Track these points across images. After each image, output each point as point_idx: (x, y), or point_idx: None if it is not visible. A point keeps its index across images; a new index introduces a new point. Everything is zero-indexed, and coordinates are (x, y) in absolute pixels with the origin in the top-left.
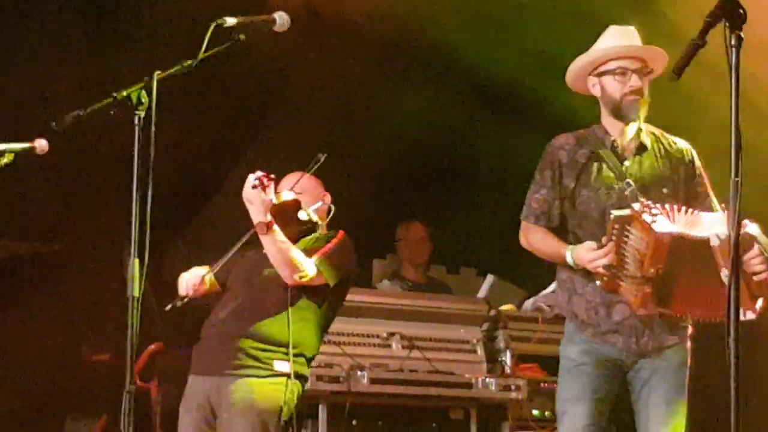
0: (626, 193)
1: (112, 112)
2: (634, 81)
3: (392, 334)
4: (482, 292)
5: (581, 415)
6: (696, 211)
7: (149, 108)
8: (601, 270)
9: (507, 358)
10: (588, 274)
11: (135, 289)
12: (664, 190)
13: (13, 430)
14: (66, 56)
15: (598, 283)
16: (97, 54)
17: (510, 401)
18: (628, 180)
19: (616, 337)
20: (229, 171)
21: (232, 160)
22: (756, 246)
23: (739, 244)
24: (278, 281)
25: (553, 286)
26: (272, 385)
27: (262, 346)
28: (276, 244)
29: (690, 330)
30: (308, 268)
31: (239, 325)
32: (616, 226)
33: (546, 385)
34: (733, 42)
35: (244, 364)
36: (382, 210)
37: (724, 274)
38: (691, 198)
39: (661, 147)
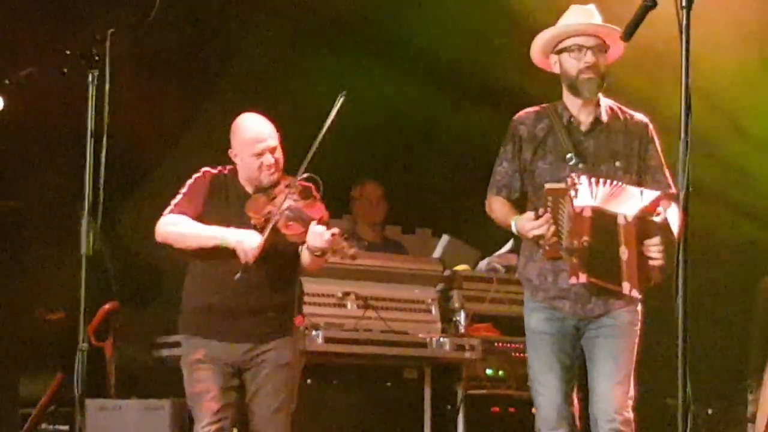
0: (580, 166)
1: (65, 70)
2: (589, 57)
3: (347, 294)
4: (437, 253)
5: (552, 387)
6: (621, 184)
7: (103, 65)
8: (535, 236)
9: (461, 318)
10: (536, 243)
11: (87, 247)
12: (617, 164)
13: None
14: (21, 15)
15: (540, 251)
16: (53, 12)
17: (464, 361)
18: (571, 154)
19: (563, 303)
20: (184, 127)
21: (187, 116)
22: (658, 237)
23: (687, 205)
24: (292, 259)
25: (507, 247)
26: (294, 342)
27: (284, 311)
28: (323, 260)
29: (638, 295)
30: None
31: (262, 298)
32: (550, 198)
33: (500, 344)
34: (683, 3)
35: (272, 330)
36: (337, 169)
37: (622, 251)
38: (643, 171)
39: (618, 122)
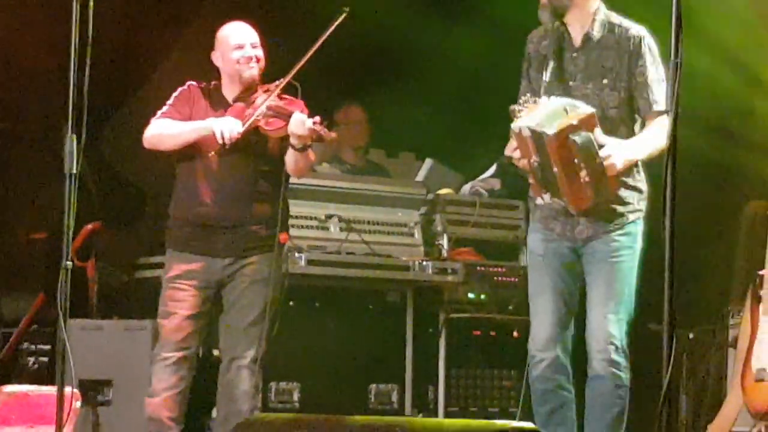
0: (570, 83)
1: None
2: None
3: (330, 217)
4: (420, 176)
5: (544, 308)
6: (550, 99)
7: None
8: (510, 154)
9: (444, 242)
10: None
11: (72, 165)
12: (605, 81)
13: None
14: None
15: None
16: None
17: (446, 284)
18: (543, 73)
19: (555, 224)
20: (168, 47)
21: (171, 36)
22: (577, 156)
23: (676, 126)
24: (271, 167)
25: (490, 171)
26: (275, 258)
27: (267, 226)
28: (308, 158)
29: (632, 217)
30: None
31: (244, 210)
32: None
33: (482, 268)
34: None
35: (253, 244)
36: (320, 92)
37: (555, 169)
38: (632, 87)
39: (611, 36)
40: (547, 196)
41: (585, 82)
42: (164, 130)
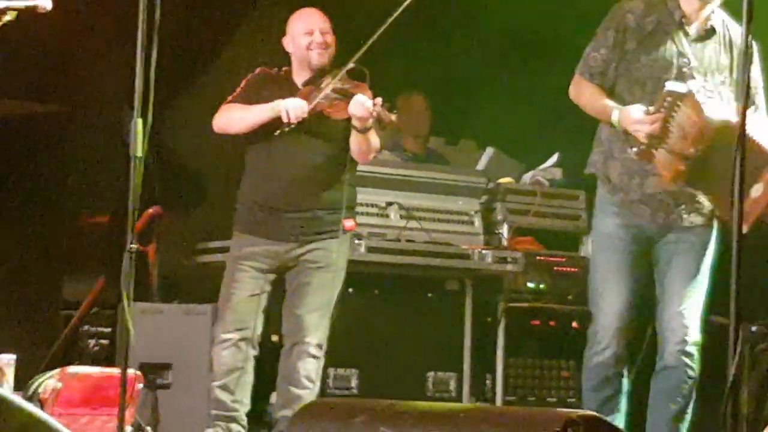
0: (684, 70)
1: None
2: None
3: (390, 204)
4: (481, 165)
5: (619, 297)
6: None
7: None
8: (641, 136)
9: (504, 231)
10: (627, 140)
11: (137, 148)
12: (721, 78)
13: (9, 293)
14: None
15: (634, 149)
16: None
17: (505, 273)
18: (688, 58)
19: (644, 209)
20: (236, 30)
21: (239, 16)
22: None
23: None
24: (338, 152)
25: (552, 160)
26: (343, 243)
27: (331, 212)
28: (370, 142)
29: (717, 213)
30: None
31: (309, 196)
32: (668, 98)
33: (542, 258)
34: None
35: (321, 230)
36: (382, 81)
37: (756, 189)
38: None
39: (727, 33)
40: (682, 183)
41: (703, 75)
42: (233, 114)
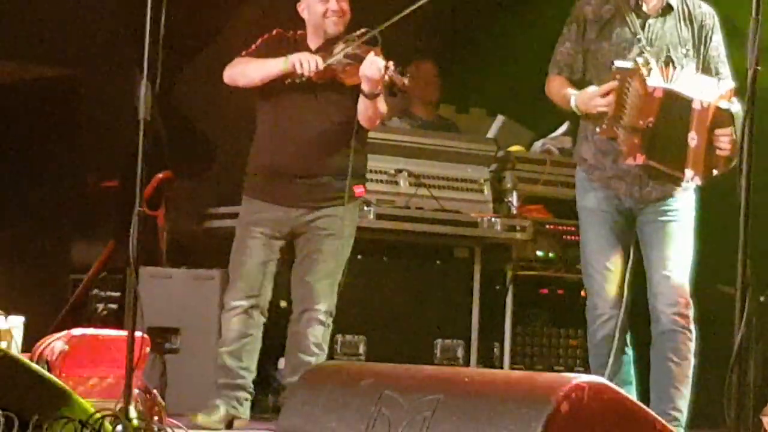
0: (647, 48)
1: None
2: None
3: (400, 171)
4: (491, 133)
5: (613, 267)
6: (690, 71)
7: None
8: (601, 109)
9: (513, 199)
10: (597, 123)
11: (145, 111)
12: (683, 50)
13: (19, 256)
14: None
15: (597, 129)
16: None
17: (514, 241)
18: (640, 36)
19: (620, 183)
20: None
21: None
22: (731, 127)
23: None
24: (347, 117)
25: (562, 129)
26: (353, 210)
27: (340, 178)
28: (378, 108)
29: (699, 182)
30: (385, 112)
31: (319, 161)
32: (617, 76)
33: (551, 226)
34: None
35: (327, 196)
36: (393, 48)
37: (692, 137)
38: (706, 61)
39: (686, 9)
40: (641, 158)
41: (663, 50)
42: (246, 66)
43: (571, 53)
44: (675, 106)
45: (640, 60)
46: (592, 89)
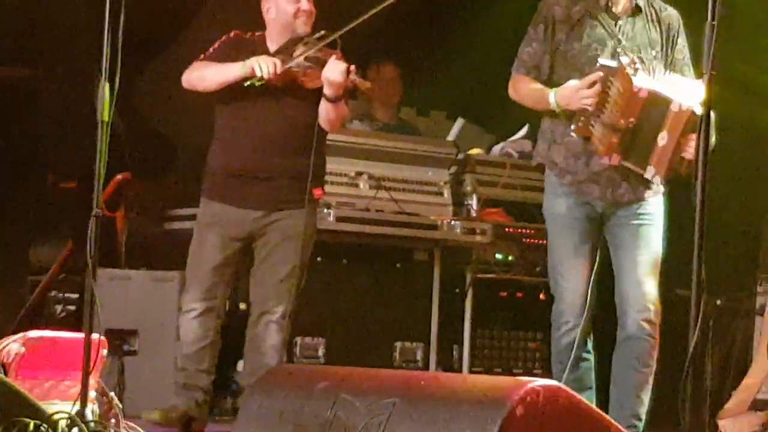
0: (618, 49)
1: None
2: None
3: (360, 174)
4: (451, 135)
5: (578, 274)
6: (675, 75)
7: None
8: (587, 103)
9: (473, 202)
10: (568, 124)
11: (104, 113)
12: (653, 52)
13: None
14: None
15: (572, 126)
16: None
17: (474, 244)
18: (619, 37)
19: (593, 187)
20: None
21: None
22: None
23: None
24: (308, 120)
25: (522, 132)
26: (312, 212)
27: (299, 179)
28: (340, 111)
29: (660, 181)
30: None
31: (278, 162)
32: (601, 74)
33: (510, 230)
34: None
35: (286, 198)
36: (354, 50)
37: (662, 136)
38: (671, 64)
39: (653, 11)
40: (616, 158)
41: (635, 51)
42: (204, 70)
43: (539, 54)
44: (655, 107)
45: (625, 59)
46: (573, 82)
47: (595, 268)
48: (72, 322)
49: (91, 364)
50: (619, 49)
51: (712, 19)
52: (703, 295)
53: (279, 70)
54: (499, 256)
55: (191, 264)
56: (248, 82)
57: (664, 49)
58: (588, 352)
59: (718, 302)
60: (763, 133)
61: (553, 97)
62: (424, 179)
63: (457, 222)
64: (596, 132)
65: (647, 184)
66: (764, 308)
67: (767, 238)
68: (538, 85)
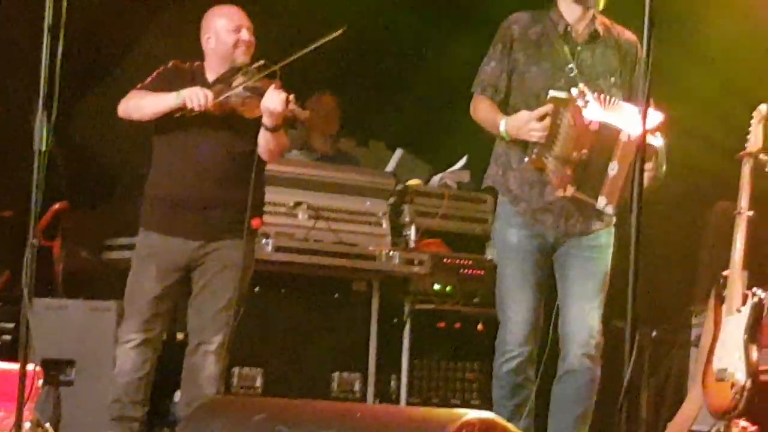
0: (572, 76)
1: None
2: None
3: (299, 204)
4: (390, 166)
5: (526, 303)
6: (619, 102)
7: None
8: (535, 136)
9: (411, 233)
10: (523, 151)
11: (41, 143)
12: (612, 79)
13: None
14: None
15: (526, 159)
16: None
17: (412, 275)
18: (571, 65)
19: (547, 216)
20: (146, 26)
21: (150, 12)
22: (652, 161)
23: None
24: (247, 150)
25: (460, 163)
26: (250, 242)
27: (237, 210)
28: (280, 140)
29: (611, 211)
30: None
31: (215, 192)
32: (551, 106)
33: (449, 260)
34: None
35: (224, 228)
36: (292, 80)
37: (612, 166)
38: (631, 88)
39: (611, 37)
40: (571, 190)
41: (593, 78)
42: (140, 99)
43: (496, 72)
44: (605, 137)
45: (574, 91)
46: (524, 114)
47: (539, 299)
48: (7, 352)
49: (27, 395)
50: (573, 76)
51: (647, 55)
52: (639, 328)
53: (211, 103)
54: (437, 286)
55: (130, 294)
56: (179, 113)
57: (623, 75)
58: (530, 381)
59: (654, 333)
60: (699, 165)
61: (504, 126)
62: (363, 210)
63: (396, 252)
64: (550, 165)
65: (599, 216)
66: (699, 340)
67: (704, 269)
68: (494, 109)
